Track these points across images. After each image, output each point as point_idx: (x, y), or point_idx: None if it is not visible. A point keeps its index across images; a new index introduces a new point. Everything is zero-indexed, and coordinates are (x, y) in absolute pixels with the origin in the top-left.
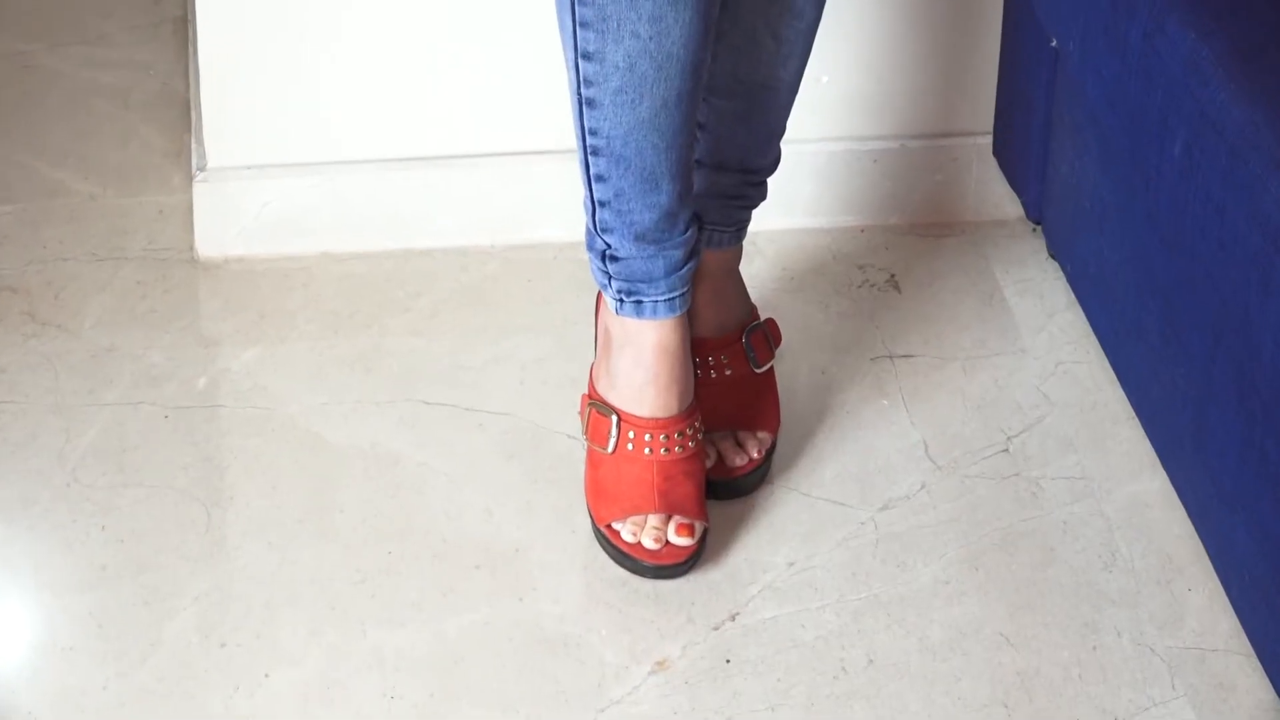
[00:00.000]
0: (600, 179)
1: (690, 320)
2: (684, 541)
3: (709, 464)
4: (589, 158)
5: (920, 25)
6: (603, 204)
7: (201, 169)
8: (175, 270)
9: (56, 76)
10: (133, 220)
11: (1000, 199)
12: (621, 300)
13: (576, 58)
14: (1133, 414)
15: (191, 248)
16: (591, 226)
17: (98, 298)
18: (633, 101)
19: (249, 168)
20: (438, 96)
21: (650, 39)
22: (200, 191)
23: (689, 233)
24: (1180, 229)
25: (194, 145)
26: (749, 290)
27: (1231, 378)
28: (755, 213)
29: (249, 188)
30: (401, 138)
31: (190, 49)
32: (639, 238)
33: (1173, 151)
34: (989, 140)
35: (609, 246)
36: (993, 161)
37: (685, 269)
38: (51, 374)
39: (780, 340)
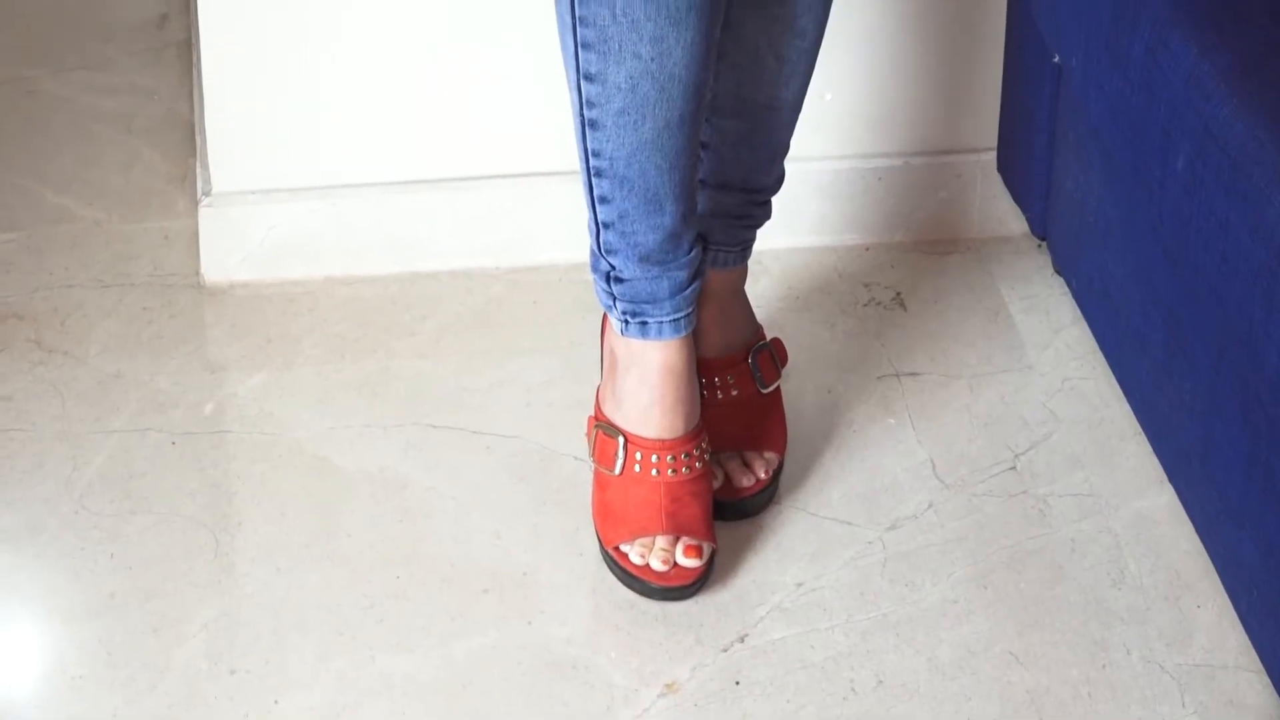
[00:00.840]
0: (604, 200)
1: (696, 341)
2: (692, 563)
3: (716, 485)
4: (592, 179)
5: (923, 42)
6: (606, 226)
7: (206, 194)
8: (181, 296)
9: (60, 102)
10: (138, 246)
11: (1005, 215)
12: (627, 321)
13: (579, 79)
14: (1139, 429)
15: (197, 273)
16: (595, 248)
17: (104, 324)
18: (635, 123)
19: (254, 192)
20: (441, 119)
21: (652, 60)
22: (205, 216)
23: (693, 253)
24: (1184, 243)
25: (199, 170)
26: (755, 309)
27: (1236, 392)
28: (760, 231)
29: (254, 212)
30: (406, 161)
31: (194, 73)
32: (643, 259)
33: (1176, 166)
34: (993, 156)
35: (613, 268)
36: (997, 178)
37: (690, 289)
38: (58, 401)
39: (786, 360)
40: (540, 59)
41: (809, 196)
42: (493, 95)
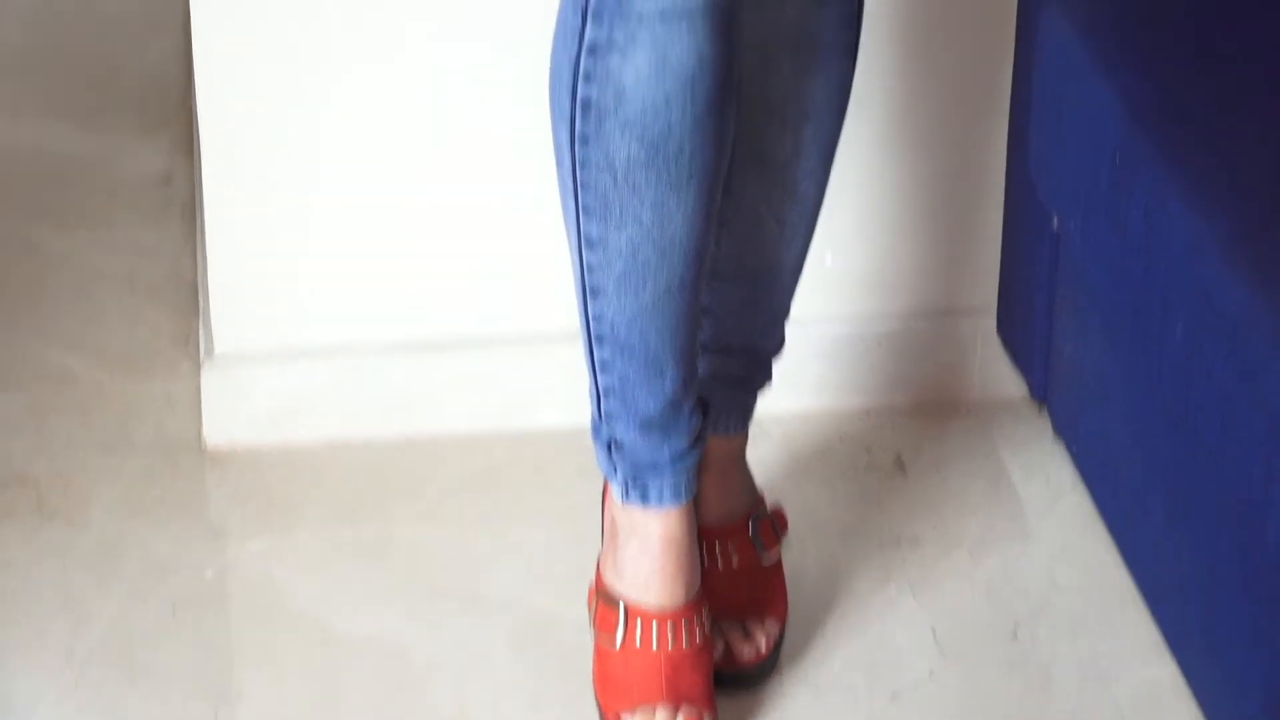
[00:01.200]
0: (604, 366)
1: (695, 508)
2: None
3: (717, 655)
4: (593, 345)
5: (922, 204)
6: (607, 392)
7: (209, 355)
8: (183, 459)
9: (64, 260)
10: (141, 408)
11: (1005, 378)
12: (627, 489)
13: (580, 244)
14: (1140, 597)
15: (199, 435)
16: (596, 415)
17: (106, 488)
18: (636, 288)
19: (256, 354)
20: (444, 281)
21: (653, 225)
22: (208, 379)
23: (694, 420)
24: (1183, 410)
25: (201, 331)
26: (755, 473)
27: (1238, 563)
28: (760, 395)
29: (256, 374)
30: (408, 323)
31: (198, 233)
32: (644, 426)
33: (1175, 333)
34: (993, 319)
35: (614, 435)
36: (997, 341)
37: (691, 457)
38: (60, 566)
39: (787, 527)
40: (542, 222)
41: (809, 359)
42: (495, 258)
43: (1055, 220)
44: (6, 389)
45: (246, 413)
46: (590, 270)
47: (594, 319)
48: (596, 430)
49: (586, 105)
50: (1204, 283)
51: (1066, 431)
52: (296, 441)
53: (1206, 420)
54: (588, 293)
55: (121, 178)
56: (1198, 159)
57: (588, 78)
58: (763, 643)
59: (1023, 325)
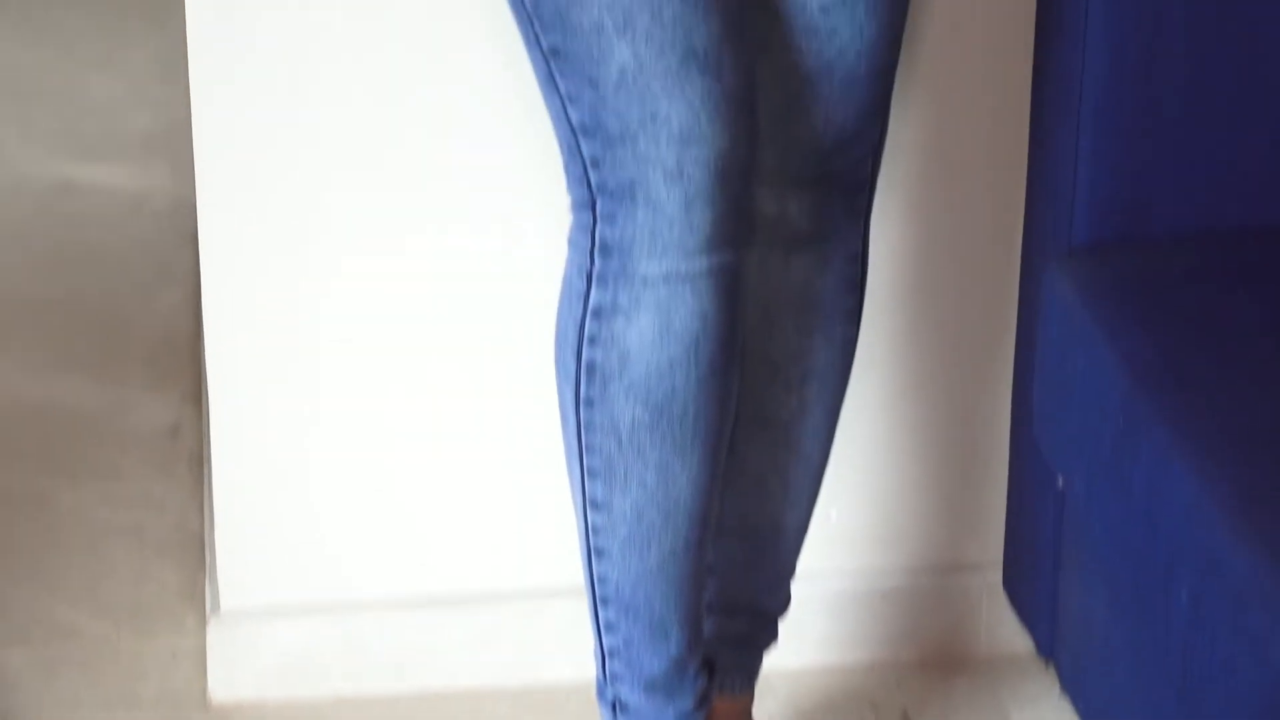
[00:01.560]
0: (609, 627)
1: None
2: None
3: None
4: (598, 605)
5: (927, 461)
6: (612, 653)
7: (215, 611)
8: (188, 716)
9: (72, 513)
10: (146, 664)
11: (1012, 634)
12: None
13: (585, 506)
14: None
15: (204, 692)
16: (601, 675)
17: None
18: (641, 551)
19: (263, 609)
20: (450, 537)
21: (657, 489)
22: (214, 634)
23: (700, 681)
24: (1188, 676)
25: (208, 586)
26: None
27: None
28: (766, 654)
29: (263, 630)
30: (415, 579)
31: (205, 488)
32: (649, 687)
33: (1180, 598)
34: (999, 575)
35: (619, 695)
36: (1003, 596)
37: (696, 718)
38: None
39: None
40: (548, 478)
41: (815, 614)
42: (502, 514)
43: (1060, 479)
44: (13, 644)
45: (252, 669)
46: (595, 532)
47: (599, 580)
48: (601, 690)
49: (591, 368)
50: (1208, 548)
51: (1074, 689)
52: (302, 698)
53: (1211, 687)
54: (592, 554)
55: (130, 430)
56: (1202, 422)
57: (592, 341)
58: None
59: (1029, 582)
